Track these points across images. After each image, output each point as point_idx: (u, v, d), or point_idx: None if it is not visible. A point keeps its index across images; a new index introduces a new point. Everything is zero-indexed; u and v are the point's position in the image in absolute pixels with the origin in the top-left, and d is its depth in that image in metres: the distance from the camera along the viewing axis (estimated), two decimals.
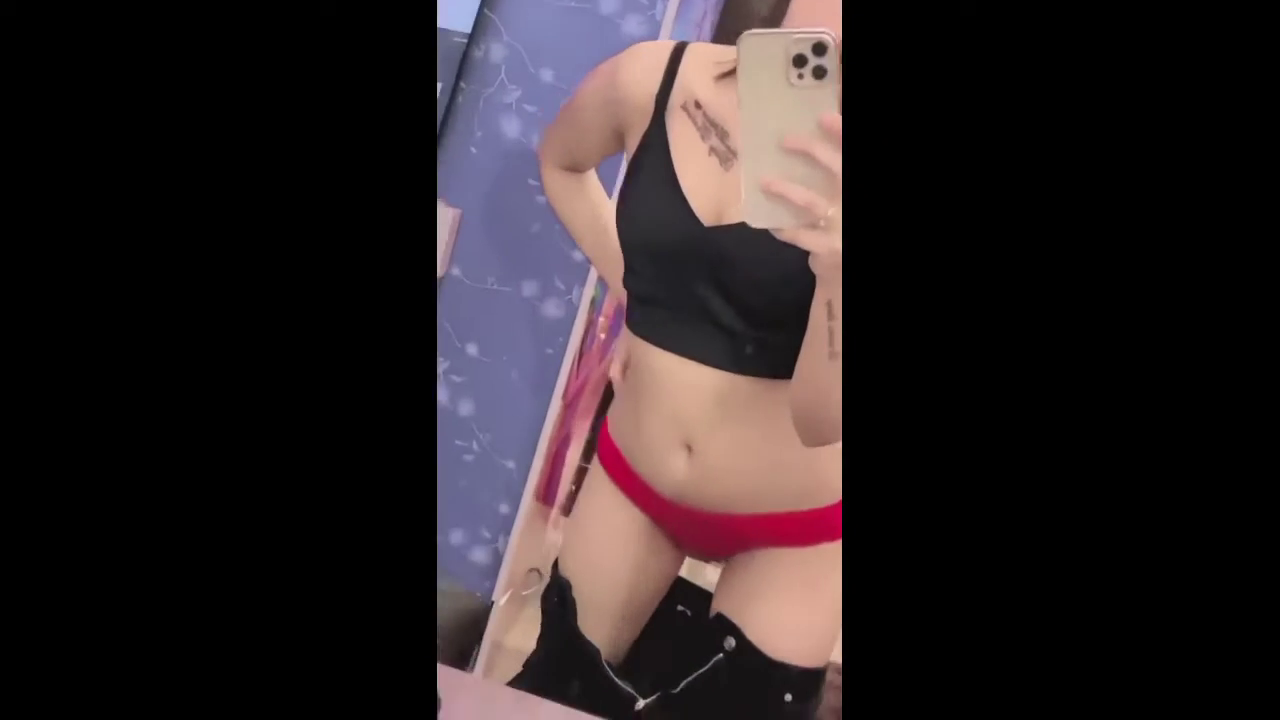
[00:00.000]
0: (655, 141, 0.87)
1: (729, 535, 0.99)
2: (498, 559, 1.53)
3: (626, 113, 0.90)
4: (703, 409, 0.90)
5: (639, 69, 0.90)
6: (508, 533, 1.53)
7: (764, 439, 0.90)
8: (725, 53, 0.87)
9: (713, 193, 0.85)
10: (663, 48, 0.90)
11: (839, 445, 0.87)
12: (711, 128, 0.86)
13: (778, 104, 0.66)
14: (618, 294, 1.01)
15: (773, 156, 0.66)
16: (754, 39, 0.65)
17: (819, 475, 0.94)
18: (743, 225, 0.70)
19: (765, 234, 0.69)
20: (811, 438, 0.85)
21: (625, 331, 0.99)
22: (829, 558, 0.95)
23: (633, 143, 0.90)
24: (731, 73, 0.81)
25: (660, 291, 0.90)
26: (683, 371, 0.89)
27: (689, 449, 0.92)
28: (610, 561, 1.05)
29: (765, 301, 0.85)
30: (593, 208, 1.09)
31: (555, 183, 1.11)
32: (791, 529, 0.96)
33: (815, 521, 0.96)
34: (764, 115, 0.66)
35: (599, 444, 1.10)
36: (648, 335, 0.91)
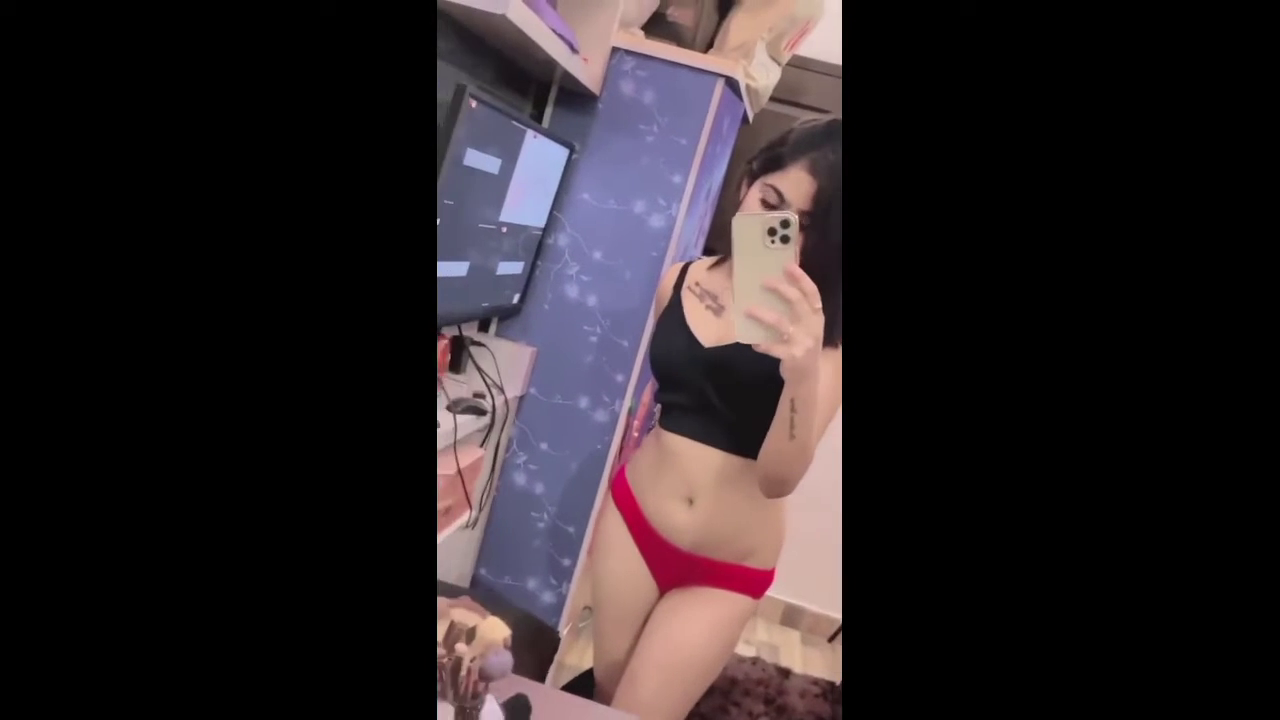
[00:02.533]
0: (674, 305, 1.24)
1: (694, 571, 1.24)
2: (562, 600, 1.88)
3: (660, 300, 1.30)
4: (703, 475, 1.17)
5: (666, 277, 1.32)
6: (570, 580, 1.87)
7: (742, 501, 1.17)
8: (710, 261, 1.28)
9: (709, 330, 1.19)
10: (679, 265, 1.32)
11: (782, 533, 1.25)
12: (706, 294, 1.24)
13: (758, 259, 0.85)
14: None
15: (754, 293, 0.86)
16: (745, 218, 0.87)
17: (766, 542, 1.22)
18: (731, 346, 0.94)
19: (745, 351, 0.91)
20: (771, 492, 1.11)
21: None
22: (740, 604, 1.24)
23: (660, 311, 1.29)
24: (716, 264, 1.21)
25: (679, 396, 1.18)
26: (692, 449, 1.18)
27: (690, 502, 1.20)
28: (618, 590, 1.31)
29: (746, 398, 1.09)
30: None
31: None
32: (731, 575, 1.23)
33: (745, 576, 1.24)
34: (749, 266, 0.86)
35: (614, 489, 1.31)
36: (669, 427, 1.20)
